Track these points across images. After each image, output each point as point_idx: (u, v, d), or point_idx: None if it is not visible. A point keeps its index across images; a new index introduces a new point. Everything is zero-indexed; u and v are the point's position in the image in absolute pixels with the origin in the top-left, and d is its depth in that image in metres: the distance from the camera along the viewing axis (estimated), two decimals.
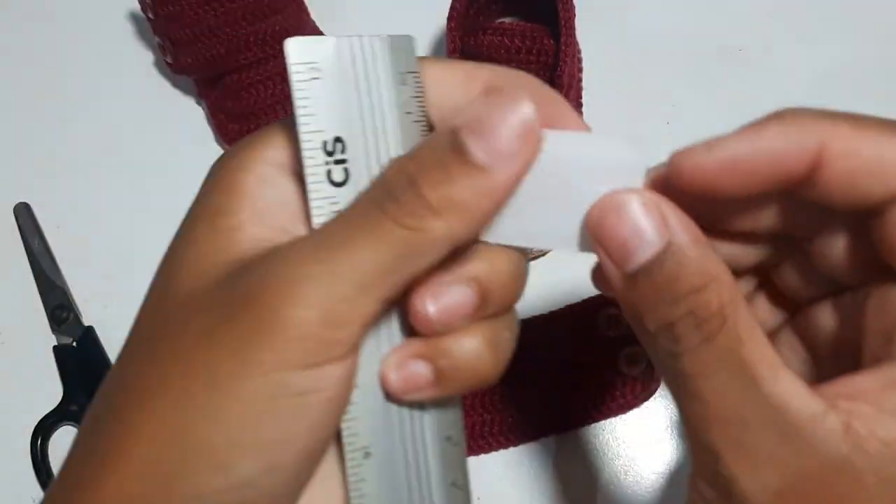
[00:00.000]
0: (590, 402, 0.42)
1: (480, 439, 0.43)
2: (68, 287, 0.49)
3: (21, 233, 0.50)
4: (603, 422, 0.43)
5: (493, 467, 0.44)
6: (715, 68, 0.50)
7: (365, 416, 0.22)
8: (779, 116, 0.22)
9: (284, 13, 0.47)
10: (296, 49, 0.21)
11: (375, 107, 0.22)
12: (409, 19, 0.52)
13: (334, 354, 0.20)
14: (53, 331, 0.48)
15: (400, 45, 0.22)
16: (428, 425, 0.23)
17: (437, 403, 0.23)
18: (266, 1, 0.46)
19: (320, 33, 0.51)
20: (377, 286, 0.20)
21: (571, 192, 0.22)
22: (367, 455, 0.22)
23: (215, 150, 0.51)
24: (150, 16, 0.47)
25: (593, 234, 0.21)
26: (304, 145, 0.21)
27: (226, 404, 0.19)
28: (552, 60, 0.43)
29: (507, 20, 0.49)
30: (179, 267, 0.21)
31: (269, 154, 0.22)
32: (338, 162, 0.21)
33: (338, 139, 0.21)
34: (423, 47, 0.52)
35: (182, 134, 0.51)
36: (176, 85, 0.53)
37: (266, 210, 0.21)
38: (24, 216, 0.50)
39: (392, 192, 0.20)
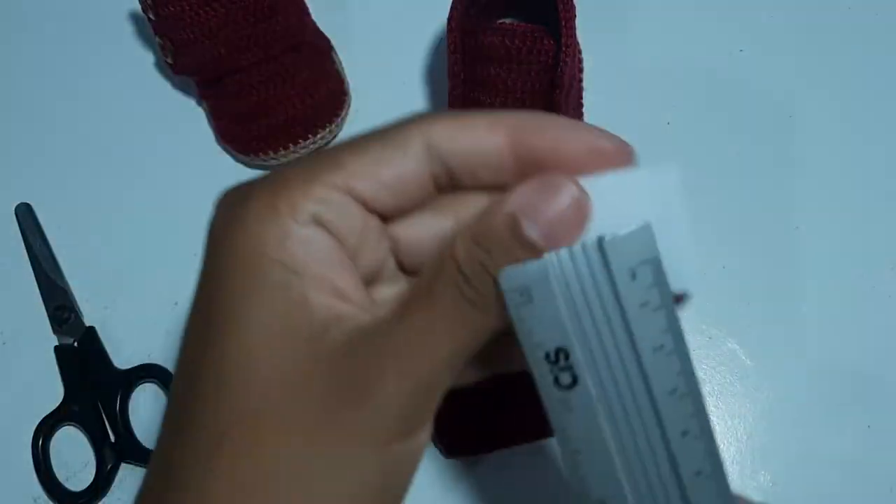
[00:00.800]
0: None
1: (481, 440, 0.43)
2: (69, 287, 0.49)
3: (22, 233, 0.50)
4: None
5: (493, 468, 0.44)
6: (716, 69, 0.50)
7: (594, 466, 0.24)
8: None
9: (285, 14, 0.47)
10: (508, 277, 0.22)
11: (599, 313, 0.22)
12: (410, 19, 0.52)
13: (421, 422, 0.22)
14: (54, 331, 0.48)
15: (625, 242, 0.22)
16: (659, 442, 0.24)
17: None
18: (267, 2, 0.46)
19: (322, 34, 0.51)
20: (456, 364, 0.22)
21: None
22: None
23: (216, 151, 0.51)
24: (151, 16, 0.47)
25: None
26: (528, 357, 0.23)
27: (344, 483, 0.21)
28: (552, 61, 0.43)
29: (507, 20, 0.49)
30: (256, 344, 0.22)
31: (299, 217, 0.22)
32: (563, 369, 0.23)
33: (560, 349, 0.23)
34: (423, 47, 0.52)
35: (183, 135, 0.52)
36: (176, 86, 0.53)
37: (318, 278, 0.22)
38: (26, 216, 0.50)
39: (467, 277, 0.22)
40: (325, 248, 0.22)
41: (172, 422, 0.23)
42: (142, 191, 0.50)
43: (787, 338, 0.45)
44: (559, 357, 0.23)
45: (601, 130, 0.23)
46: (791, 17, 0.52)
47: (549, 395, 0.23)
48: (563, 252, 0.22)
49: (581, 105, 0.48)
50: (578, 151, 0.23)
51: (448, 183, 0.24)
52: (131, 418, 0.46)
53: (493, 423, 0.43)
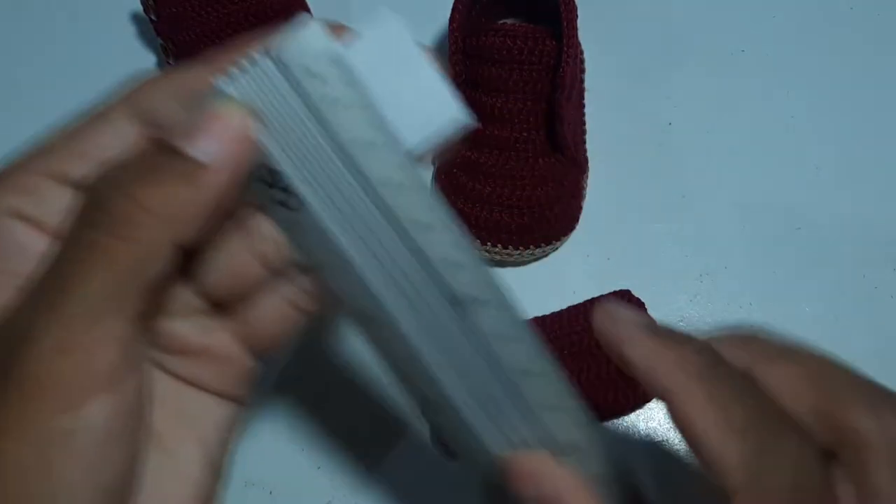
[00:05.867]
0: (590, 403, 0.42)
1: None
2: None
3: None
4: (604, 423, 0.43)
5: None
6: (717, 69, 0.50)
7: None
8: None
9: (287, 15, 0.47)
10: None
11: (298, 127, 0.21)
12: (411, 21, 0.52)
13: (93, 387, 0.19)
14: None
15: (293, 42, 0.20)
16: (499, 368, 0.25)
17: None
18: (269, 3, 0.46)
19: None
20: (111, 309, 0.19)
21: (383, 88, 0.21)
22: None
23: None
24: (153, 17, 0.47)
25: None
26: (252, 187, 0.22)
27: (2, 471, 0.19)
28: (554, 62, 0.43)
29: (509, 21, 0.49)
30: None
31: None
32: (283, 190, 0.21)
33: (272, 171, 0.21)
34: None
35: None
36: None
37: (12, 273, 0.21)
38: None
39: (101, 203, 0.19)
40: (21, 242, 0.21)
41: None
42: None
43: (790, 339, 0.45)
44: (275, 179, 0.21)
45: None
46: (793, 18, 0.51)
47: (279, 218, 0.22)
48: (233, 72, 0.20)
49: (583, 105, 0.48)
50: None
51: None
52: None
53: None
